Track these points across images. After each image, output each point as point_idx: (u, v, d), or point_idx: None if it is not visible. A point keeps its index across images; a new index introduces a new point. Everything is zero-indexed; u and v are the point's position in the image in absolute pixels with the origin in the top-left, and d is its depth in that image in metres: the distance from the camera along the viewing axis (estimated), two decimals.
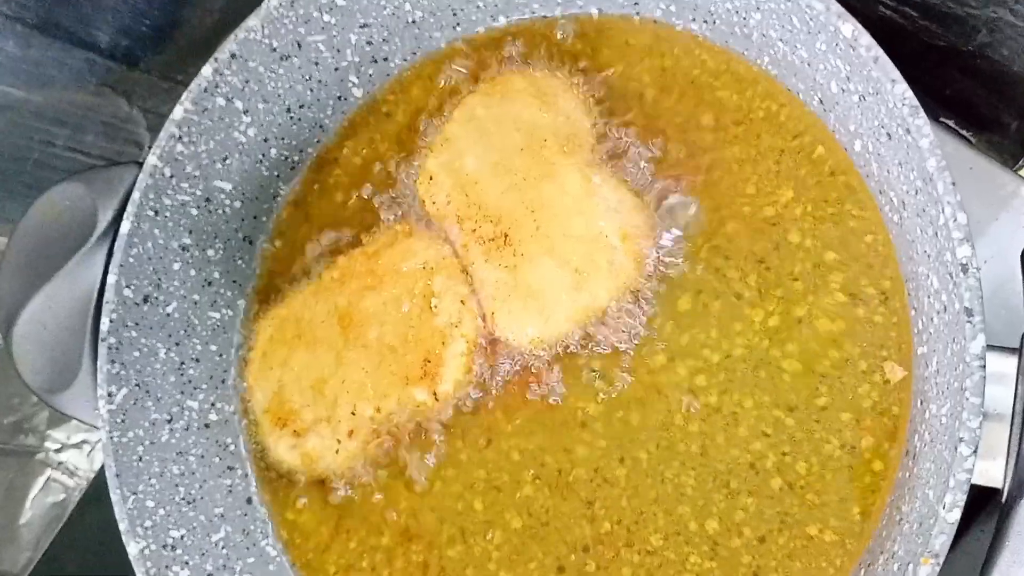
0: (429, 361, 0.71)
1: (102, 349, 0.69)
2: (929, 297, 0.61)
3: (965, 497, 0.54)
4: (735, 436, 0.68)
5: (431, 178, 0.74)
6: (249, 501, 0.76)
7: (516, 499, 0.71)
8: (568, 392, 0.71)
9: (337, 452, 0.72)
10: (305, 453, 0.73)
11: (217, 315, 0.77)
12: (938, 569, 0.54)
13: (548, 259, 0.70)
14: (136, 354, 0.71)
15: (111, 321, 0.70)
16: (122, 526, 0.68)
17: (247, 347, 0.78)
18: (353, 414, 0.72)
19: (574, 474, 0.70)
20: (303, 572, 0.75)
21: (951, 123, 0.85)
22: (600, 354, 0.71)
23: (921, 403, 0.62)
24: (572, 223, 0.70)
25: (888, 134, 0.61)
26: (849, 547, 0.65)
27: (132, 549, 0.68)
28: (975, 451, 0.53)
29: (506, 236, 0.71)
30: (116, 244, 0.70)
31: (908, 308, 0.65)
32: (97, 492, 0.70)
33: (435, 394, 0.71)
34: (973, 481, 0.56)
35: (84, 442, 1.01)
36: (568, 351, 0.71)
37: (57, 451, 1.00)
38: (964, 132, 0.86)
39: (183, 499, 0.72)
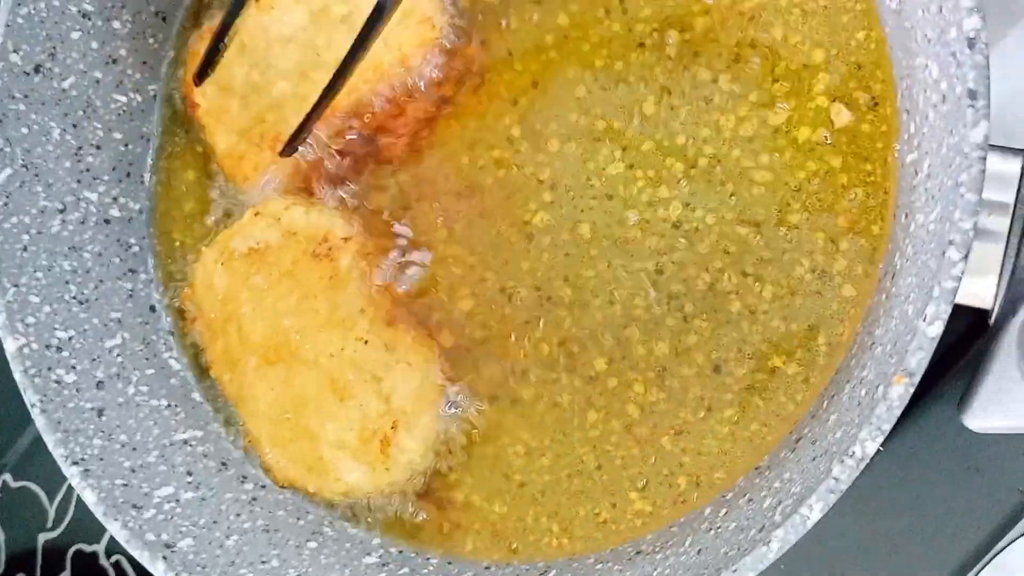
0: None
1: None
2: (926, 91, 0.52)
3: (950, 310, 0.46)
4: (695, 254, 0.60)
5: None
6: (152, 309, 0.68)
7: (453, 316, 0.64)
8: (512, 202, 0.63)
9: None
10: None
11: (123, 99, 0.68)
12: (912, 389, 0.46)
13: None
14: (24, 131, 0.62)
15: None
16: None
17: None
18: None
19: (516, 292, 0.63)
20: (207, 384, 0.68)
21: None
22: (547, 159, 0.63)
23: (906, 217, 0.55)
24: None
25: None
26: (812, 380, 0.59)
27: (10, 346, 0.60)
28: (966, 256, 0.46)
29: None
30: (2, 1, 0.61)
31: (899, 113, 0.57)
32: None
33: None
34: (961, 301, 0.49)
35: None
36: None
37: None
38: None
39: (74, 298, 0.64)
